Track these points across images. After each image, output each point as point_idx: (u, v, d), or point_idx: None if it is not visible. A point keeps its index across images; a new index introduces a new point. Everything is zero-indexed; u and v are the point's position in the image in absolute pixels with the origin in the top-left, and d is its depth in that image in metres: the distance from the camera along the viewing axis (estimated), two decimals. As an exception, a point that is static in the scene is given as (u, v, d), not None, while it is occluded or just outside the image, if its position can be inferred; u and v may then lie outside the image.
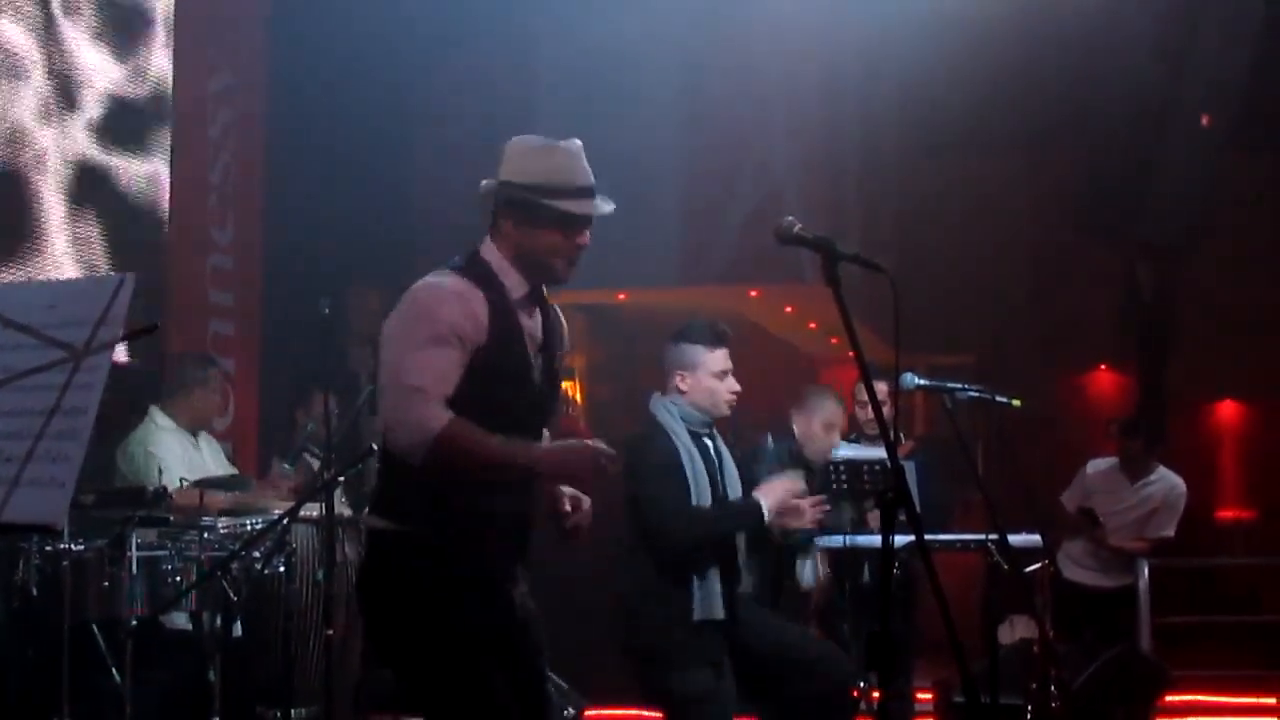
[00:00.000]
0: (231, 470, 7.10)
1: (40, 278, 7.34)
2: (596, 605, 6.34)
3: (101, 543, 5.73)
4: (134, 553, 5.73)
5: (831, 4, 11.82)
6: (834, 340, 14.97)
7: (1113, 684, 7.49)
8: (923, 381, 5.73)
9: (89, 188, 7.91)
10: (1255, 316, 14.39)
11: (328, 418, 6.07)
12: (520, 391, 3.91)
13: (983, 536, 5.88)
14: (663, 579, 5.45)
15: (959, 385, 5.88)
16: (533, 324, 3.95)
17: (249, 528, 6.06)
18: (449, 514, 3.78)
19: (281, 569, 6.11)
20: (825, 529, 6.23)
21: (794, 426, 7.09)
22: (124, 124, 8.22)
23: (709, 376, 5.62)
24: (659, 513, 5.43)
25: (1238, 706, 9.48)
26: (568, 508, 4.03)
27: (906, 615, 7.15)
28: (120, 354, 7.09)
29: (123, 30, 8.24)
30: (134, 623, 5.70)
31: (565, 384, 14.84)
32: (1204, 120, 11.70)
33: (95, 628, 5.73)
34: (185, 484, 6.20)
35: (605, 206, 3.96)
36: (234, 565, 5.80)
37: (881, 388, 5.16)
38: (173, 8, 8.65)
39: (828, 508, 5.81)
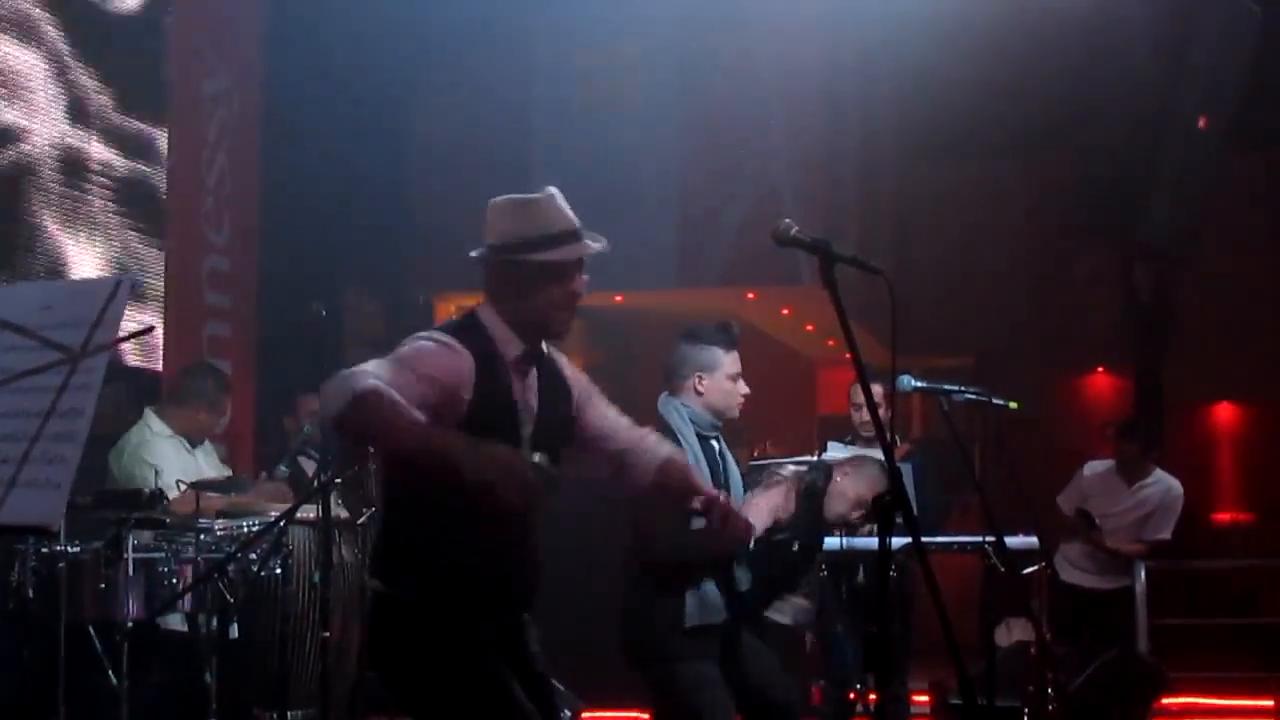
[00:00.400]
0: (226, 474, 7.08)
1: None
2: (594, 606, 6.33)
3: (98, 545, 5.73)
4: (130, 555, 5.73)
5: (829, 7, 11.83)
6: (831, 342, 14.98)
7: (1110, 686, 7.49)
8: (920, 384, 5.72)
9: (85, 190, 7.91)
10: (1253, 319, 14.41)
11: (325, 419, 6.05)
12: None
13: (980, 538, 5.88)
14: (660, 583, 5.43)
15: (956, 387, 5.87)
16: (526, 385, 3.88)
17: (245, 530, 6.06)
18: (438, 573, 3.76)
19: (278, 571, 6.11)
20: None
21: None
22: (122, 124, 8.23)
23: (726, 379, 5.57)
24: (652, 529, 5.39)
25: (1235, 709, 9.47)
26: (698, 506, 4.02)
27: (903, 617, 7.15)
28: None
29: (122, 35, 8.25)
30: (130, 624, 5.70)
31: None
32: (1201, 122, 11.70)
33: (91, 629, 5.73)
34: (182, 487, 6.19)
35: (594, 245, 3.90)
36: (230, 567, 5.80)
37: (877, 390, 5.16)
38: (170, 11, 8.66)
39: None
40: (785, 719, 5.61)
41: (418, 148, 11.89)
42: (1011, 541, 5.98)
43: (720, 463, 5.58)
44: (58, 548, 5.61)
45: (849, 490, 5.69)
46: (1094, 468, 8.76)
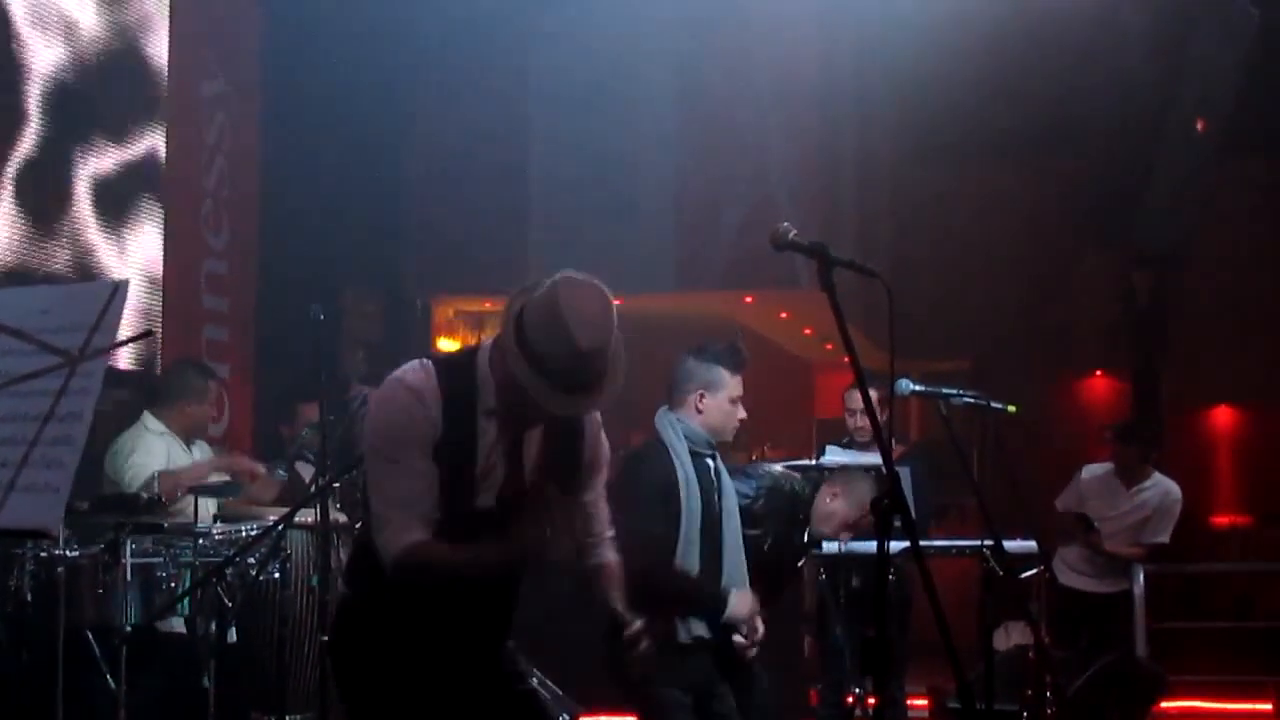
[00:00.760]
0: (224, 476, 7.08)
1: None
2: (592, 613, 6.32)
3: (96, 549, 5.73)
4: (129, 559, 5.74)
5: (827, 10, 11.84)
6: (829, 346, 15.00)
7: (1108, 690, 7.50)
8: (918, 387, 5.72)
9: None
10: (1250, 322, 14.42)
11: (324, 423, 6.06)
12: (461, 503, 3.73)
13: (978, 542, 5.87)
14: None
15: (954, 391, 5.87)
16: (503, 434, 3.74)
17: (244, 534, 6.05)
18: (399, 587, 3.75)
19: (276, 575, 6.11)
20: None
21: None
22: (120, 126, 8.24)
23: (727, 400, 5.51)
24: (639, 546, 5.33)
25: (1233, 712, 9.48)
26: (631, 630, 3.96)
27: (900, 621, 7.14)
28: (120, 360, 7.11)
29: (119, 40, 8.25)
30: (128, 628, 5.70)
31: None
32: (1199, 125, 11.71)
33: (90, 633, 5.73)
34: (181, 493, 6.19)
35: (586, 407, 3.77)
36: (229, 571, 5.79)
37: (874, 394, 5.13)
38: (168, 13, 8.66)
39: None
40: None
41: (416, 151, 11.89)
42: (1010, 545, 5.97)
43: (715, 481, 5.52)
44: (56, 552, 5.61)
45: (838, 512, 5.68)
46: (1092, 471, 8.76)
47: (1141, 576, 8.65)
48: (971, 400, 5.88)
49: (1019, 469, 5.88)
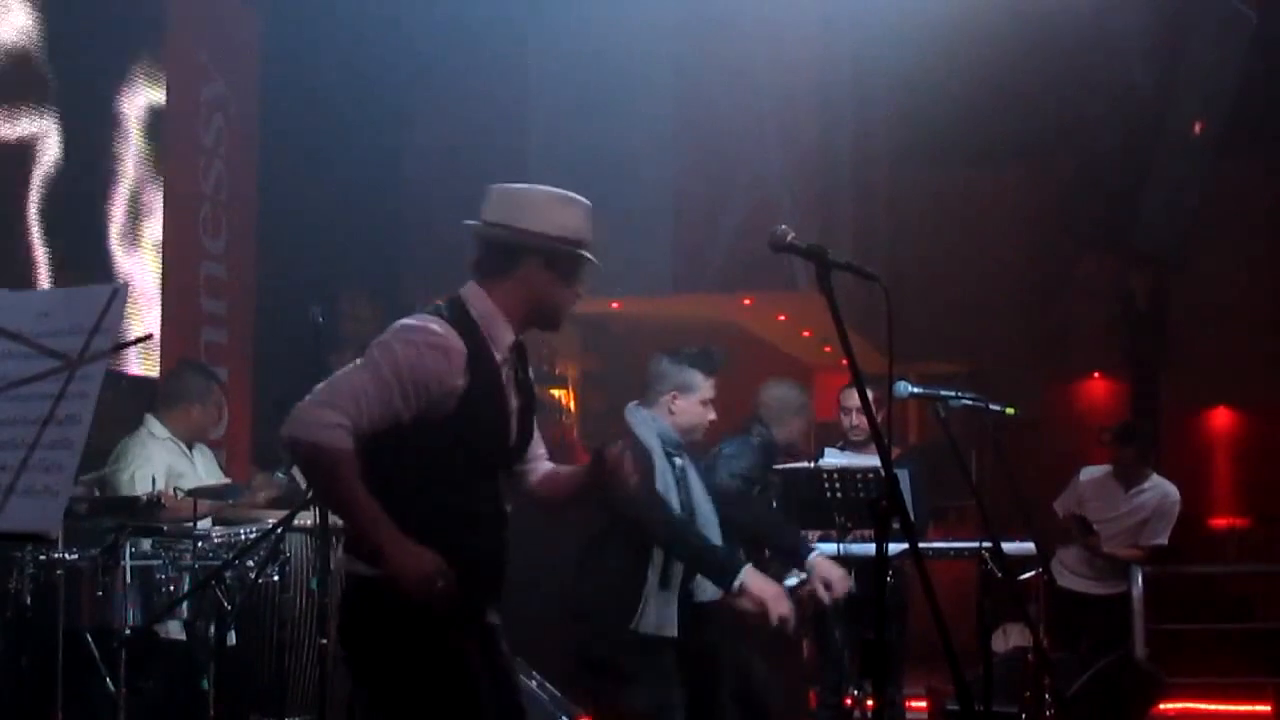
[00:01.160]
0: (224, 480, 7.08)
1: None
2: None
3: (95, 552, 5.74)
4: (128, 562, 5.74)
5: (825, 13, 11.84)
6: (827, 348, 14.98)
7: (1107, 691, 7.50)
8: (917, 389, 5.73)
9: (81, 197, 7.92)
10: (1249, 324, 14.42)
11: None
12: (493, 444, 3.88)
13: (977, 544, 5.88)
14: (622, 586, 5.41)
15: (953, 393, 5.87)
16: (508, 379, 3.90)
17: (243, 536, 6.06)
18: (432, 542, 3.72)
19: (276, 578, 6.12)
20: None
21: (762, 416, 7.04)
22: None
23: (699, 403, 5.61)
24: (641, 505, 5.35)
25: (1232, 714, 9.49)
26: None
27: (898, 623, 7.15)
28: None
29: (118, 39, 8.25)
30: (128, 631, 5.70)
31: (559, 393, 14.87)
32: (1197, 128, 11.71)
33: (89, 636, 5.73)
34: (178, 493, 6.19)
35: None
36: (228, 574, 5.80)
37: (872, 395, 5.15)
38: (166, 16, 8.66)
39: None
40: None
41: (414, 153, 11.89)
42: (1008, 547, 5.99)
43: (683, 479, 5.59)
44: (55, 555, 5.61)
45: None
46: (1090, 473, 8.77)
47: (1140, 578, 8.65)
48: (970, 402, 5.89)
49: (1017, 471, 5.87)
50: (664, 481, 5.43)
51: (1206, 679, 9.54)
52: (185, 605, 5.91)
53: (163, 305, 8.57)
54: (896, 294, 3.66)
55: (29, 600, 5.57)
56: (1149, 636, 8.78)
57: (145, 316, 8.35)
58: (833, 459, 7.08)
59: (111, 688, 5.64)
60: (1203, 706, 9.40)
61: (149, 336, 8.04)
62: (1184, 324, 14.89)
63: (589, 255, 3.93)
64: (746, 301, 12.89)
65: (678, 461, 5.58)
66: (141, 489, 6.16)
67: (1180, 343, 14.86)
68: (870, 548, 5.70)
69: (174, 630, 6.18)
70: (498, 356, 3.85)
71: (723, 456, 6.62)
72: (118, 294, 3.10)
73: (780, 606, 5.39)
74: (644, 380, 5.69)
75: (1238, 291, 14.55)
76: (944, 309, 14.16)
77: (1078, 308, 15.27)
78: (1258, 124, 12.76)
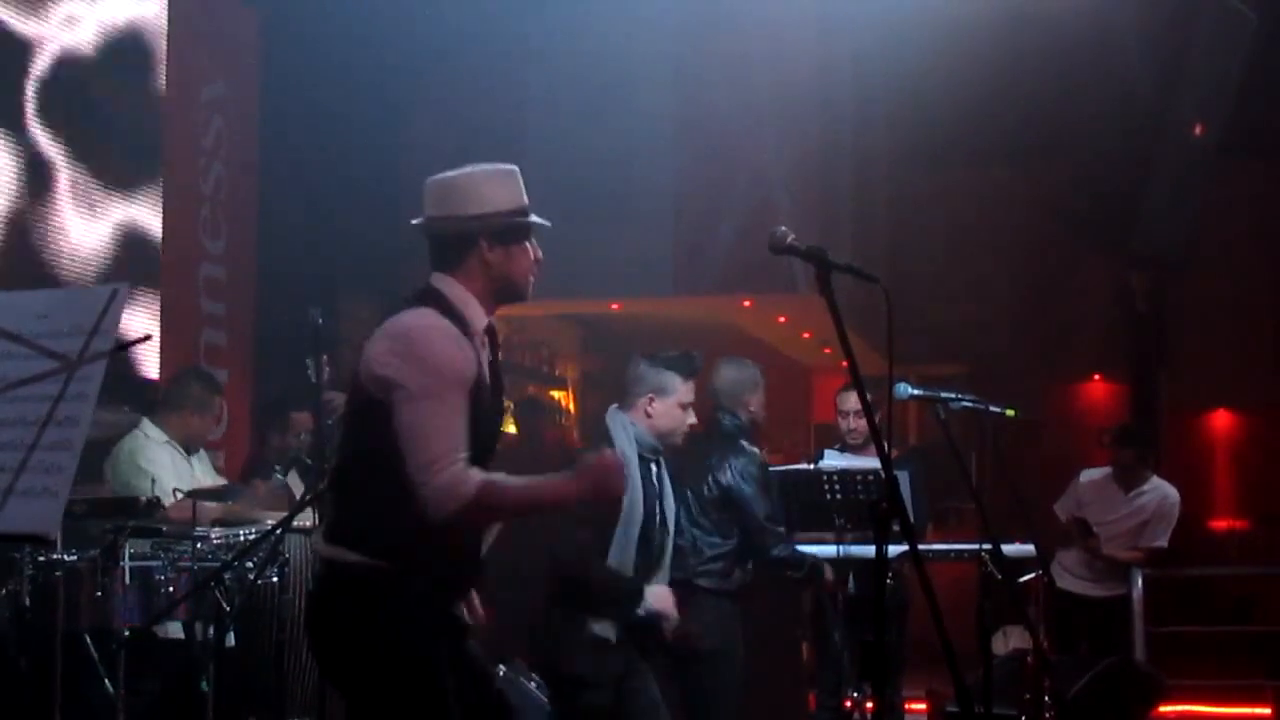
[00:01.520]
0: (221, 482, 7.07)
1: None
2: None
3: (94, 553, 5.72)
4: (127, 563, 5.73)
5: (824, 15, 11.84)
6: (827, 350, 15.00)
7: (1107, 694, 7.49)
8: (917, 391, 5.73)
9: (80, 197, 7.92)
10: (1249, 326, 14.43)
11: (320, 428, 6.06)
12: (492, 428, 3.94)
13: (976, 546, 5.88)
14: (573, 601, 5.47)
15: (953, 394, 5.88)
16: (486, 359, 3.93)
17: (242, 538, 6.05)
18: (425, 547, 3.71)
19: (275, 579, 6.11)
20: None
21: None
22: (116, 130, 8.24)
23: (677, 406, 5.63)
24: (569, 540, 5.42)
25: (1232, 716, 9.49)
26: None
27: (898, 625, 7.14)
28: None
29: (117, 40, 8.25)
30: (127, 633, 5.69)
31: (558, 393, 14.88)
32: (1197, 130, 11.71)
33: (88, 638, 5.72)
34: (177, 495, 6.19)
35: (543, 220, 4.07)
36: (227, 575, 5.79)
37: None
38: (166, 17, 8.66)
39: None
40: None
41: (414, 155, 11.88)
42: (1008, 549, 5.98)
43: (656, 485, 5.61)
44: (54, 556, 5.60)
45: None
46: (1090, 475, 8.76)
47: (1140, 580, 8.65)
48: (970, 404, 5.89)
49: (1017, 473, 5.88)
50: (630, 496, 5.43)
51: (1206, 681, 9.54)
52: (184, 606, 5.90)
53: (162, 306, 8.56)
54: (896, 295, 3.66)
55: (28, 601, 5.56)
56: (1149, 639, 8.77)
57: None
58: (832, 460, 7.07)
59: (110, 689, 5.63)
60: (1202, 709, 9.40)
61: (148, 338, 8.03)
62: (1184, 326, 14.90)
63: (531, 220, 3.99)
64: (746, 303, 12.89)
65: (652, 467, 5.60)
66: (165, 498, 6.12)
67: (1180, 345, 14.87)
68: (870, 549, 5.70)
69: (173, 631, 6.17)
70: (477, 339, 3.88)
71: (737, 468, 6.53)
72: (117, 295, 3.10)
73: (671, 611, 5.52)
74: (622, 386, 5.72)
75: (1238, 293, 14.56)
76: (944, 310, 14.18)
77: (1078, 309, 15.28)
78: (1258, 125, 12.76)
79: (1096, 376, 16.21)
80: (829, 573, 6.66)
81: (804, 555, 6.58)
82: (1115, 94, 11.97)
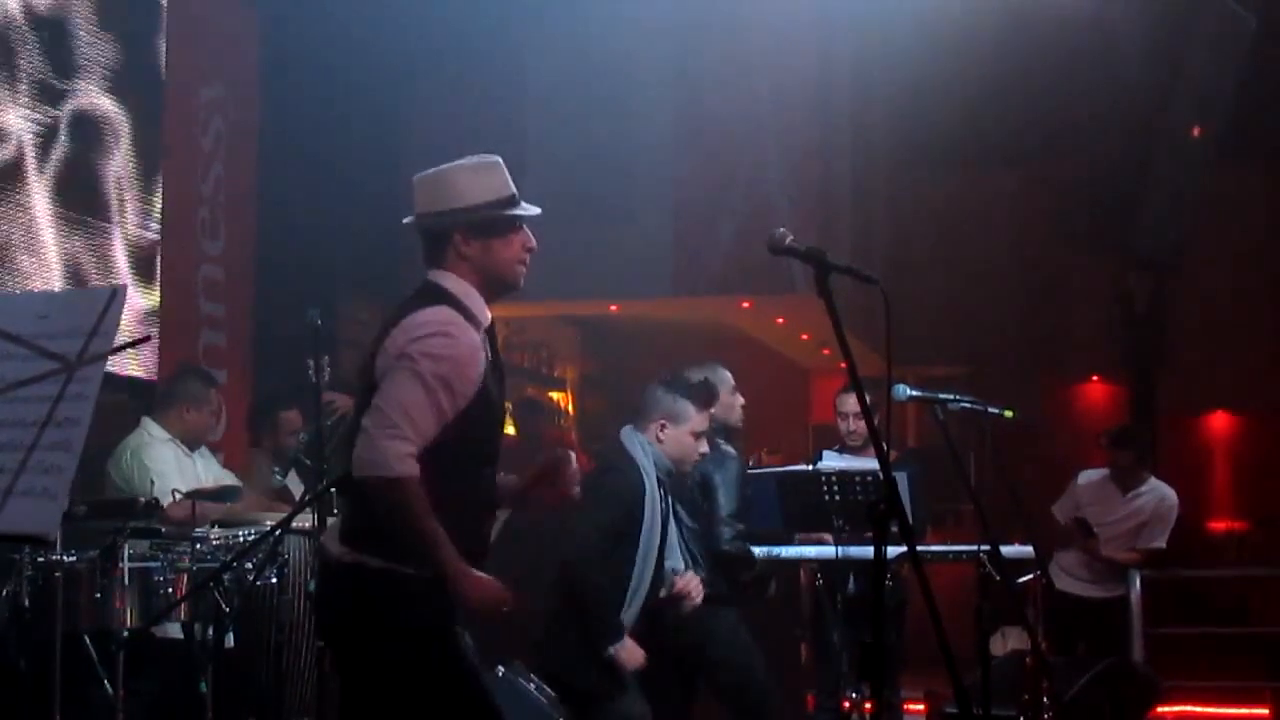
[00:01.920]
0: (229, 479, 7.06)
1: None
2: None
3: (93, 554, 5.72)
4: (126, 564, 5.73)
5: (824, 17, 11.84)
6: (825, 351, 14.99)
7: (1105, 695, 7.49)
8: (915, 392, 5.73)
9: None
10: (1247, 327, 14.43)
11: (321, 428, 6.05)
12: (498, 429, 3.98)
13: (975, 547, 5.88)
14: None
15: (951, 396, 5.88)
16: (487, 355, 3.94)
17: (241, 539, 6.05)
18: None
19: (274, 580, 6.11)
20: None
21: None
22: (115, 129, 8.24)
23: (689, 434, 5.65)
24: (586, 546, 5.43)
25: (1230, 717, 9.49)
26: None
27: (897, 626, 7.15)
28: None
29: (116, 38, 8.25)
30: (126, 634, 5.69)
31: (557, 395, 14.87)
32: (1195, 132, 11.71)
33: (87, 639, 5.72)
34: (178, 495, 6.18)
35: (532, 209, 4.05)
36: (226, 576, 5.80)
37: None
38: (165, 17, 8.66)
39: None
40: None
41: (413, 156, 11.88)
42: (1006, 550, 5.98)
43: (666, 508, 5.63)
44: (54, 557, 5.60)
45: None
46: (1088, 476, 8.77)
47: (1138, 581, 8.65)
48: (968, 405, 5.90)
49: (1015, 474, 5.88)
50: (651, 510, 5.46)
51: (1204, 683, 9.54)
52: (183, 607, 5.90)
53: (161, 307, 8.56)
54: (895, 297, 3.67)
55: (27, 602, 5.56)
56: (1147, 640, 8.78)
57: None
58: (831, 462, 7.08)
59: (109, 690, 5.63)
60: (1200, 710, 9.40)
61: (147, 339, 8.04)
62: (1182, 328, 14.89)
63: (510, 212, 3.97)
64: (745, 304, 12.89)
65: (661, 491, 5.62)
66: (164, 498, 6.12)
67: (1178, 346, 14.87)
68: (868, 551, 5.70)
69: (172, 632, 6.17)
70: (484, 334, 3.91)
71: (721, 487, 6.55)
72: (116, 296, 3.10)
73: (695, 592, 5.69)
74: (638, 407, 5.74)
75: (1236, 295, 14.55)
76: (942, 312, 14.16)
77: (1076, 311, 15.28)
78: (1257, 128, 12.76)
79: (1095, 378, 16.21)
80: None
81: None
82: (1114, 95, 11.99)
